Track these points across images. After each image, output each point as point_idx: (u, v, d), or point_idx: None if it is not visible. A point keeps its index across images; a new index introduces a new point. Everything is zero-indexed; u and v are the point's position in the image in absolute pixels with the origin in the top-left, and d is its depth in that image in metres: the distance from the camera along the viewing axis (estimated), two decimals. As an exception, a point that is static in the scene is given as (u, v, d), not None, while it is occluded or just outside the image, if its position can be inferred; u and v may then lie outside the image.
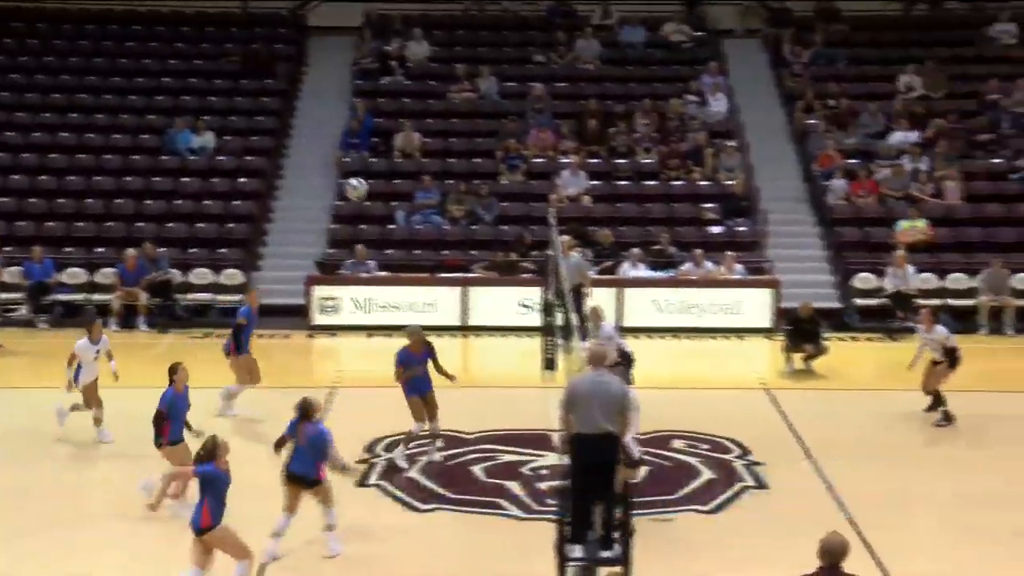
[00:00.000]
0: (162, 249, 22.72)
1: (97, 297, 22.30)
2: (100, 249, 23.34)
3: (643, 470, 13.59)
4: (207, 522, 10.22)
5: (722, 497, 13.32)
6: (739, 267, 22.26)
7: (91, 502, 13.42)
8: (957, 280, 22.51)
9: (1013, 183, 24.64)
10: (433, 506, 13.02)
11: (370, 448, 14.70)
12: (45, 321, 21.95)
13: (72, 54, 28.26)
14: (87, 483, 14.04)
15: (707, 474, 14.03)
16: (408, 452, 14.29)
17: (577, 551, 10.48)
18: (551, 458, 14.09)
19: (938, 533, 12.45)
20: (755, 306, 21.72)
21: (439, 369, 14.23)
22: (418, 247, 23.54)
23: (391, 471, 14.00)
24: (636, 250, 22.47)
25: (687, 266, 22.27)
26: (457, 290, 21.85)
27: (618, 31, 28.79)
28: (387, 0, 29.12)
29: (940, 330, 16.18)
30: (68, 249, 23.28)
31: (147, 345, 20.67)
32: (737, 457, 14.65)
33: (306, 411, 11.55)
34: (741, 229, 23.76)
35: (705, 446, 15.01)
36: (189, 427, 12.86)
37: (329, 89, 27.70)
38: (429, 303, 21.77)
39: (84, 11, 29.19)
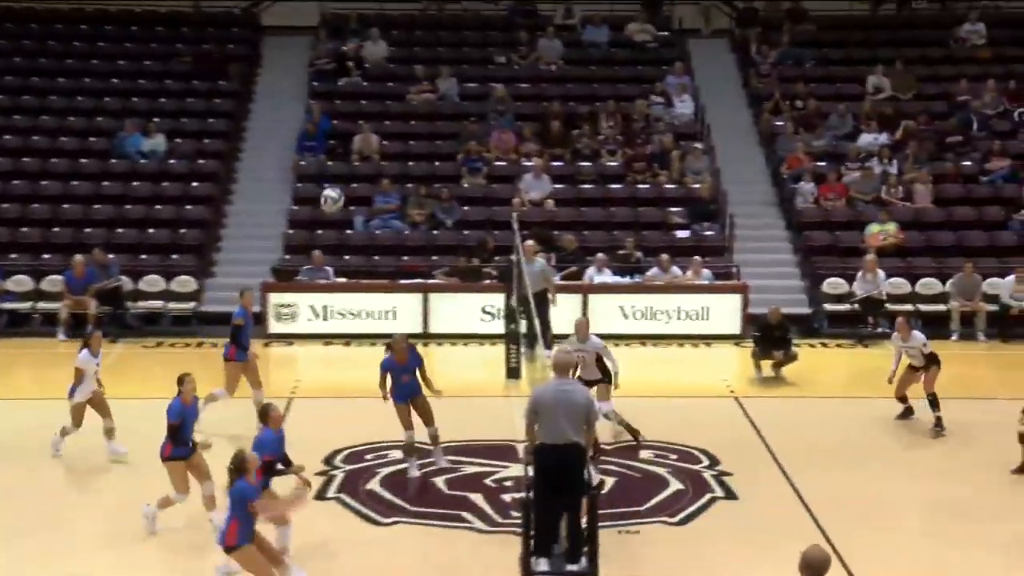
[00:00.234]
0: (112, 255, 22.53)
1: (44, 305, 22.15)
2: (47, 256, 23.12)
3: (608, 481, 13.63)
4: (232, 541, 10.15)
5: (691, 508, 13.35)
6: (706, 272, 22.34)
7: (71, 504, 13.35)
8: (928, 285, 22.69)
9: (983, 186, 24.89)
10: (394, 519, 12.98)
11: (328, 460, 14.65)
12: (-11, 331, 21.78)
13: (16, 54, 28.01)
14: (64, 485, 13.95)
15: (675, 485, 14.07)
16: (421, 461, 14.27)
17: (543, 565, 10.51)
18: (515, 469, 14.09)
19: (909, 542, 12.54)
20: (723, 312, 21.81)
21: (426, 381, 14.22)
22: (377, 252, 23.48)
23: (352, 484, 13.96)
24: (601, 255, 22.50)
25: (653, 271, 22.34)
26: (418, 297, 21.81)
27: (581, 31, 28.87)
28: (343, -1, 29.16)
29: (917, 337, 16.30)
30: (13, 256, 23.06)
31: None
32: (706, 467, 14.70)
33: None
34: (708, 233, 23.86)
35: (673, 456, 15.05)
36: (193, 444, 12.59)
37: (284, 90, 27.62)
38: (389, 310, 21.72)
39: (29, 9, 28.98)
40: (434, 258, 23.22)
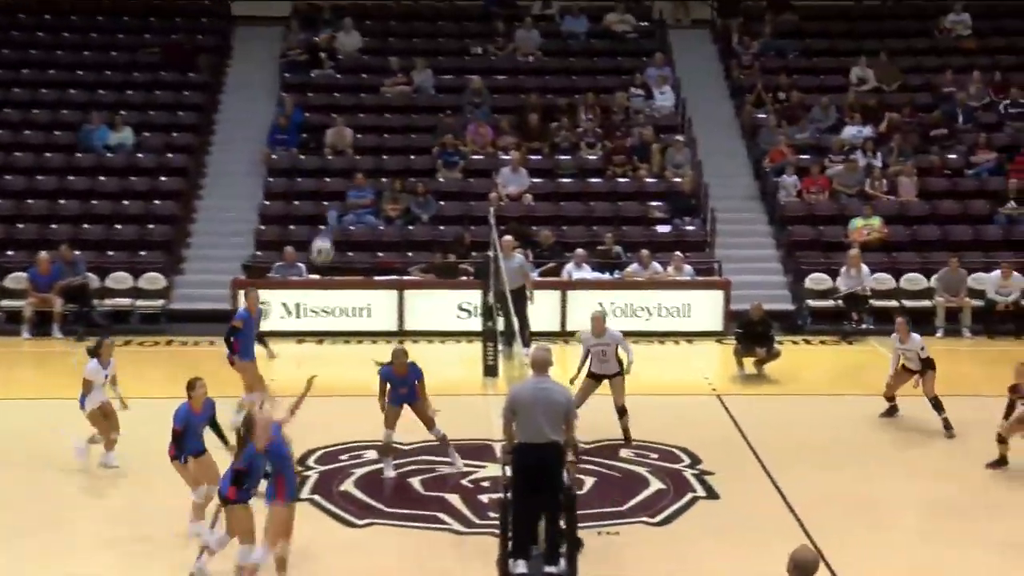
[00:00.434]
0: (78, 252, 22.45)
1: (7, 303, 22.10)
2: (11, 252, 23.07)
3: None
4: (282, 495, 10.70)
5: (672, 508, 13.39)
6: (688, 268, 22.39)
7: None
8: (912, 280, 22.81)
9: (968, 179, 25.03)
10: (369, 521, 12.98)
11: (301, 461, 14.61)
12: (-48, 330, 21.68)
13: (-21, 45, 27.91)
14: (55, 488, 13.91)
15: (656, 484, 14.11)
16: (398, 462, 14.32)
17: (521, 566, 10.53)
18: (493, 469, 14.11)
19: (896, 541, 12.60)
20: (705, 308, 21.88)
21: (423, 398, 14.19)
22: (351, 248, 23.47)
23: (326, 485, 13.96)
24: (580, 250, 22.54)
25: (633, 267, 22.38)
26: (393, 293, 21.80)
27: (559, 21, 28.91)
28: (316, -11, 29.11)
29: (916, 340, 16.37)
30: (-24, 253, 23.01)
31: (63, 354, 20.40)
32: (687, 466, 14.75)
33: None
34: (690, 228, 23.92)
35: (654, 455, 15.09)
36: (224, 440, 12.50)
37: (255, 83, 27.57)
38: (363, 307, 21.71)
39: (-9, -1, 28.88)
40: (409, 254, 23.23)
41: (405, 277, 22.37)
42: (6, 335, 21.47)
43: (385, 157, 25.53)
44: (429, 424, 14.22)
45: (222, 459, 12.02)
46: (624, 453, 15.14)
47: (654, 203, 24.45)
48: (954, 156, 25.44)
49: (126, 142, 25.36)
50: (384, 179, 24.66)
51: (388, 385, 14.10)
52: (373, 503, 13.43)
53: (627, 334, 19.50)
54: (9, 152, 25.21)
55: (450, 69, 27.57)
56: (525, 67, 27.82)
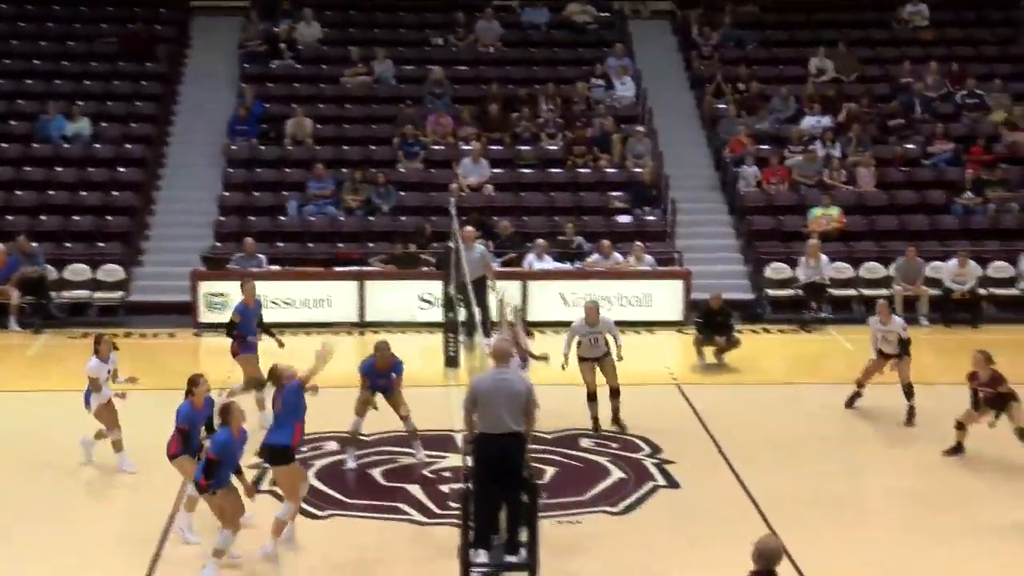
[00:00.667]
0: (35, 244, 22.28)
1: (-36, 296, 21.87)
2: (-33, 244, 22.86)
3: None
4: (296, 440, 11.70)
5: (632, 497, 13.46)
6: (648, 258, 22.47)
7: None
8: (871, 269, 22.99)
9: (926, 169, 25.22)
10: (331, 512, 12.98)
11: (261, 452, 14.57)
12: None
13: (-67, 34, 27.63)
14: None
15: (617, 474, 14.17)
16: (359, 453, 14.30)
17: (482, 556, 10.54)
18: (454, 459, 14.13)
19: (852, 531, 12.70)
20: (665, 298, 21.96)
21: (398, 395, 14.25)
22: (311, 239, 23.41)
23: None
24: (541, 241, 22.57)
25: (594, 257, 22.43)
26: (353, 284, 21.76)
27: (520, 12, 28.91)
28: (276, -22, 28.94)
29: (897, 321, 16.49)
30: (-68, 244, 22.77)
31: (20, 347, 20.30)
32: (648, 455, 14.82)
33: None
34: (650, 218, 24.00)
35: (615, 444, 15.16)
36: (201, 445, 12.35)
37: (214, 73, 27.42)
38: (323, 299, 21.67)
39: (-55, -13, 28.59)
40: (370, 245, 23.19)
41: (366, 268, 22.32)
42: (-37, 328, 21.29)
43: (345, 147, 25.46)
44: (403, 416, 14.24)
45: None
46: (584, 443, 15.21)
47: (615, 193, 24.51)
48: (912, 146, 25.63)
49: (83, 132, 25.18)
50: (344, 169, 24.60)
51: (366, 380, 14.16)
52: (335, 494, 13.43)
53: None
54: (-36, 143, 24.99)
55: (411, 59, 27.52)
56: (486, 58, 27.81)
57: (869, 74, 27.48)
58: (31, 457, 14.57)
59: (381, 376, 14.19)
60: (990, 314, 22.36)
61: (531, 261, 22.33)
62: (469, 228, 20.09)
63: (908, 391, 16.16)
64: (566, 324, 20.78)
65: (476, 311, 16.34)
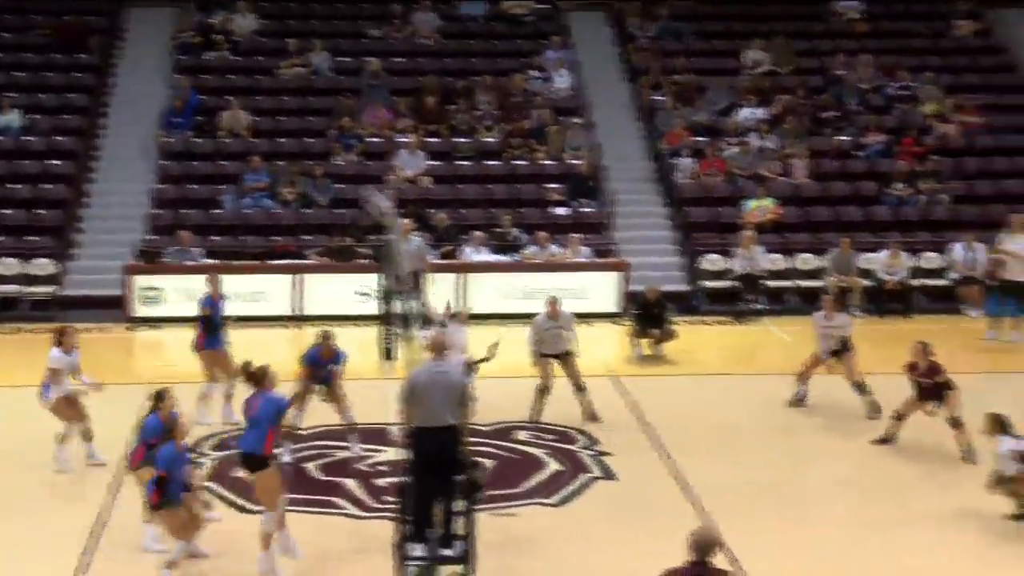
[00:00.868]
0: (-35, 238, 21.96)
1: None
2: None
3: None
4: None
5: (568, 489, 13.46)
6: (585, 250, 22.49)
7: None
8: (805, 261, 23.14)
9: (859, 161, 25.43)
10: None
11: (195, 448, 14.44)
12: None
13: None
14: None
15: (553, 466, 14.16)
16: (295, 447, 14.16)
17: (418, 550, 10.51)
18: (390, 453, 14.05)
19: (790, 521, 12.77)
20: (602, 290, 21.99)
21: (338, 386, 14.28)
22: (247, 232, 23.20)
23: (221, 471, 13.78)
24: (478, 233, 22.53)
25: (531, 249, 22.42)
26: (289, 278, 21.62)
27: (458, 4, 28.79)
28: (210, -31, 28.62)
29: (843, 318, 16.52)
30: None
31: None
32: (584, 447, 14.82)
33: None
34: (587, 210, 24.01)
35: (550, 436, 15.15)
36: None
37: (148, 65, 27.10)
38: (259, 292, 21.47)
39: None
40: (306, 238, 23.03)
41: (302, 261, 22.16)
42: None
43: (281, 140, 25.25)
44: (342, 408, 14.18)
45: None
46: (521, 435, 15.18)
47: (552, 185, 24.49)
48: (845, 138, 25.82)
49: (14, 124, 24.79)
50: (280, 162, 24.40)
51: (310, 369, 14.19)
52: (269, 489, 13.28)
53: (525, 316, 19.63)
54: None
55: (347, 51, 27.33)
56: (423, 49, 27.68)
57: (804, 66, 27.64)
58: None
59: (324, 366, 14.17)
60: (921, 304, 22.58)
61: (468, 253, 22.28)
62: (405, 220, 20.02)
63: (860, 388, 16.00)
64: (503, 316, 21.00)
65: (413, 304, 16.28)
